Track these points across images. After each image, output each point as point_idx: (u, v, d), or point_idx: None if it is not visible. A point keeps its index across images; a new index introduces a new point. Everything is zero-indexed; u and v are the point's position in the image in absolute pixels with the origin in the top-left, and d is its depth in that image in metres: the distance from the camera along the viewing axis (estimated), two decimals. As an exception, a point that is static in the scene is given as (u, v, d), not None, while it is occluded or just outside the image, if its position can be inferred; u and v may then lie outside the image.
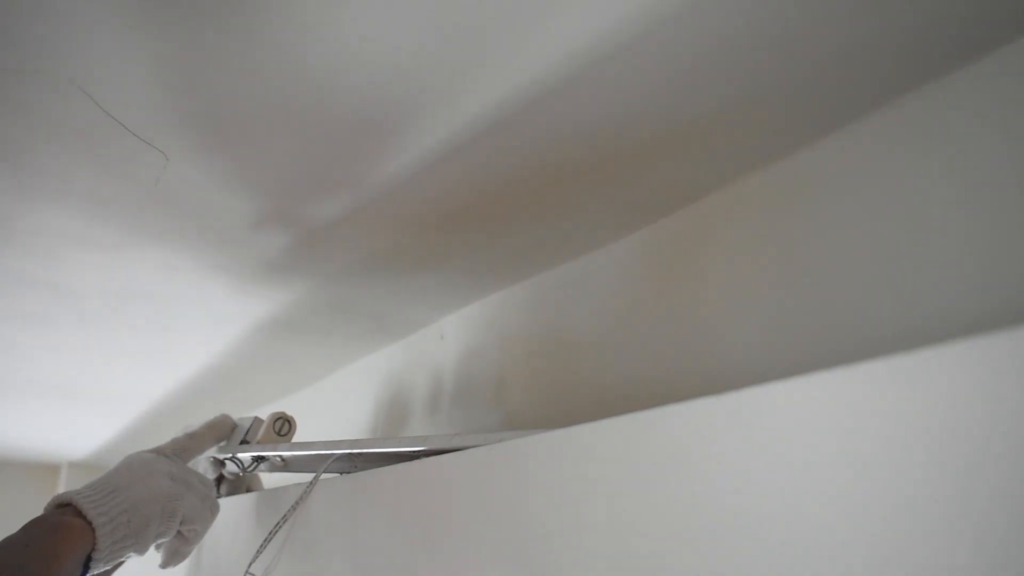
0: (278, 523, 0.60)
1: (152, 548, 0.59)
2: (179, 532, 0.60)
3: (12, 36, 0.38)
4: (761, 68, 0.41)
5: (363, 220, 0.59)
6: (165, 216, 0.59)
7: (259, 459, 0.72)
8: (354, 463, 0.60)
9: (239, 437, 0.71)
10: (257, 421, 0.73)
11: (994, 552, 0.20)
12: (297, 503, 0.59)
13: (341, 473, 0.61)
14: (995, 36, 0.39)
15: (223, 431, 0.69)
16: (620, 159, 0.50)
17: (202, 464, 0.74)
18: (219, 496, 0.81)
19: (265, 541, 0.60)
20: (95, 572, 0.54)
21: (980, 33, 0.39)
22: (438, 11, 0.36)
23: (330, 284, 0.74)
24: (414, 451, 0.50)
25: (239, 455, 0.71)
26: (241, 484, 0.80)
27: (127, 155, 0.49)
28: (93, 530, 0.52)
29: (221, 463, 0.76)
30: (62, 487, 1.88)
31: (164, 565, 0.62)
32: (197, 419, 0.83)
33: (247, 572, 0.60)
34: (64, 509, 0.53)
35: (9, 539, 0.50)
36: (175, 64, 0.40)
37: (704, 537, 0.28)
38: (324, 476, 0.59)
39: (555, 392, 0.67)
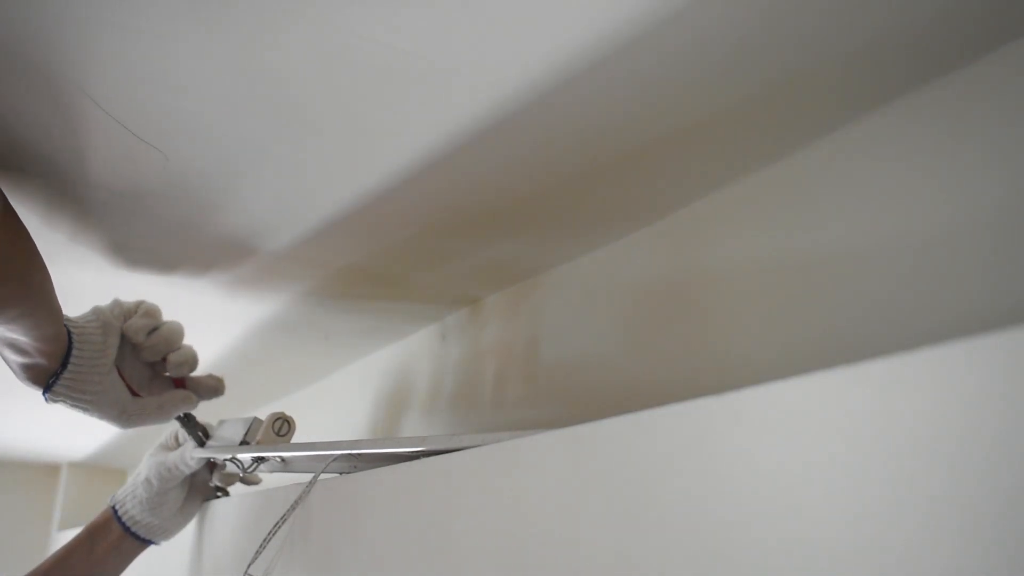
0: (277, 524, 0.60)
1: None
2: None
3: (12, 36, 0.38)
4: (760, 68, 0.41)
5: (363, 221, 0.59)
6: (164, 216, 0.59)
7: (259, 459, 0.72)
8: (354, 463, 0.60)
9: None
10: (256, 421, 0.73)
11: (997, 553, 0.20)
12: (296, 504, 0.59)
13: (341, 473, 0.61)
14: (998, 34, 0.39)
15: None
16: (619, 161, 0.50)
17: (189, 449, 0.74)
18: (214, 486, 0.81)
19: (264, 542, 0.60)
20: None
21: (983, 31, 0.39)
22: (435, 10, 0.36)
23: (330, 284, 0.74)
24: (414, 451, 0.50)
25: (239, 455, 0.71)
26: (234, 476, 0.80)
27: (127, 155, 0.49)
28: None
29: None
30: (62, 487, 1.88)
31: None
32: (197, 418, 0.83)
33: (246, 573, 0.60)
34: None
35: None
36: (175, 64, 0.40)
37: (704, 537, 0.28)
38: (324, 476, 0.59)
39: (555, 392, 0.67)
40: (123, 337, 0.67)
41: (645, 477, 0.31)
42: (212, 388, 0.75)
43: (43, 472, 1.94)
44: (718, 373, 0.52)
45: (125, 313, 0.68)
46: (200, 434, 0.76)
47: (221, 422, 0.78)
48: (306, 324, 0.87)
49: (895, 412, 0.23)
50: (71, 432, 1.49)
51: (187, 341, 0.73)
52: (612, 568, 0.31)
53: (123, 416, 0.67)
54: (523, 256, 0.68)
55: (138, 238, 0.63)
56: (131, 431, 1.41)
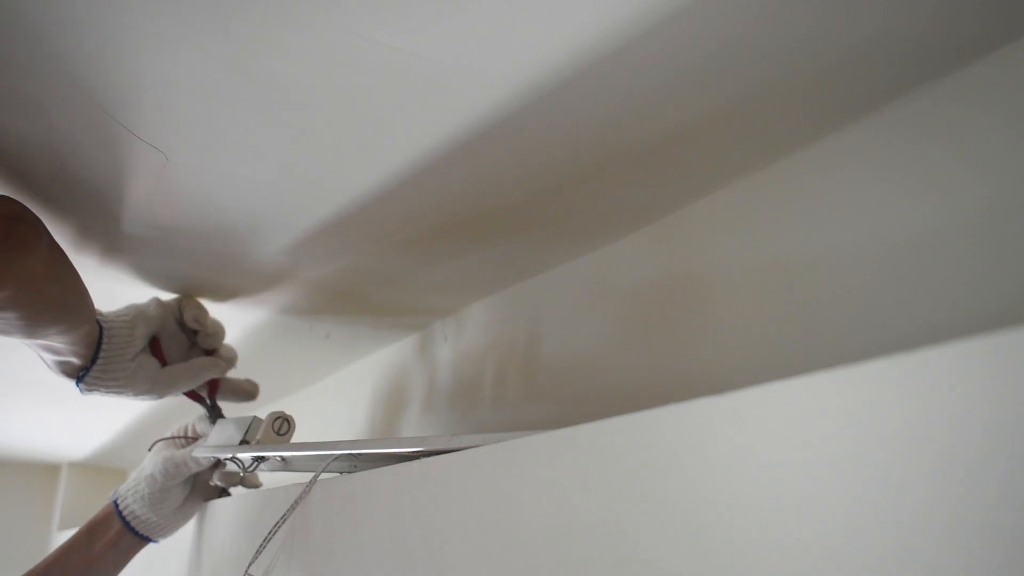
0: (276, 524, 0.60)
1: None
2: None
3: (12, 36, 0.38)
4: (757, 71, 0.41)
5: (364, 222, 0.59)
6: (165, 217, 0.59)
7: (259, 459, 0.72)
8: (354, 463, 0.60)
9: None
10: (256, 420, 0.73)
11: (997, 554, 0.20)
12: (295, 504, 0.59)
13: (341, 473, 0.61)
14: (977, 46, 0.39)
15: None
16: (617, 164, 0.50)
17: (199, 451, 0.75)
18: (215, 484, 0.81)
19: (264, 541, 0.60)
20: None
21: (962, 44, 0.39)
22: (432, 13, 0.36)
23: (330, 284, 0.74)
24: (413, 451, 0.50)
25: (239, 455, 0.71)
26: (235, 475, 0.80)
27: (127, 155, 0.49)
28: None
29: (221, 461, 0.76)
30: (62, 487, 1.88)
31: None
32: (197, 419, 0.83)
33: (246, 573, 0.60)
34: None
35: None
36: (176, 65, 0.40)
37: (703, 538, 0.28)
38: (324, 476, 0.59)
39: (554, 392, 0.67)
40: (164, 323, 0.74)
41: (644, 477, 0.31)
42: (247, 392, 0.81)
43: (43, 472, 1.94)
44: (713, 373, 0.52)
45: (172, 308, 0.75)
46: (214, 411, 0.79)
47: (219, 421, 0.79)
48: (306, 325, 0.87)
49: (894, 412, 0.23)
50: (71, 432, 1.49)
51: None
52: (611, 568, 0.31)
53: (155, 387, 0.71)
54: (523, 257, 0.68)
55: (139, 238, 0.63)
56: (130, 432, 1.41)
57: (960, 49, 0.40)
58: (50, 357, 0.65)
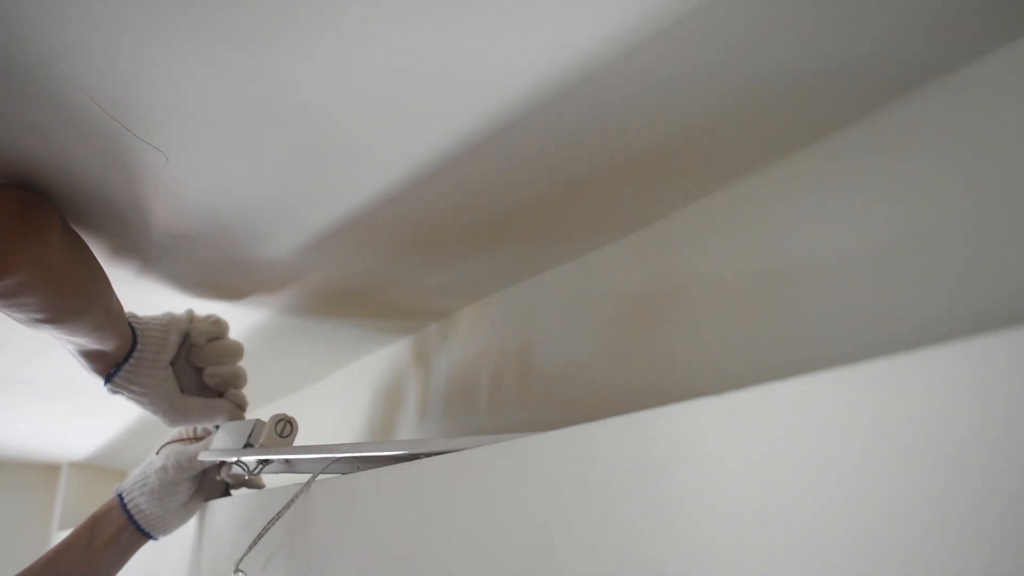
0: (271, 521, 0.60)
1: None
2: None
3: (11, 36, 0.38)
4: (742, 83, 0.42)
5: (363, 223, 0.59)
6: (165, 216, 0.59)
7: (264, 462, 0.72)
8: (355, 464, 0.60)
9: (242, 438, 0.73)
10: (259, 424, 0.73)
11: (993, 553, 0.20)
12: (290, 503, 0.59)
13: (342, 473, 0.61)
14: (978, 43, 0.39)
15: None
16: (610, 169, 0.50)
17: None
18: (221, 479, 0.81)
19: (255, 540, 0.60)
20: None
21: (960, 41, 0.39)
22: (436, 16, 0.36)
23: (329, 286, 0.74)
24: (412, 453, 0.50)
25: (243, 459, 0.71)
26: (241, 476, 0.81)
27: (127, 155, 0.49)
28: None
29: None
30: (62, 487, 1.88)
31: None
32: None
33: (236, 570, 0.60)
34: None
35: None
36: (177, 65, 0.40)
37: (703, 538, 0.28)
38: (323, 476, 0.60)
39: (549, 394, 0.67)
40: (185, 339, 0.73)
41: (643, 478, 0.31)
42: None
43: (43, 472, 1.94)
44: (705, 375, 0.52)
45: (195, 319, 0.74)
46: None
47: (223, 424, 0.79)
48: (306, 326, 0.87)
49: (894, 412, 0.23)
50: (71, 432, 1.49)
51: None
52: (609, 568, 0.31)
53: (171, 411, 0.72)
54: (518, 260, 0.68)
55: (139, 237, 0.63)
56: (131, 432, 1.41)
57: (936, 62, 0.41)
58: (83, 358, 0.66)
